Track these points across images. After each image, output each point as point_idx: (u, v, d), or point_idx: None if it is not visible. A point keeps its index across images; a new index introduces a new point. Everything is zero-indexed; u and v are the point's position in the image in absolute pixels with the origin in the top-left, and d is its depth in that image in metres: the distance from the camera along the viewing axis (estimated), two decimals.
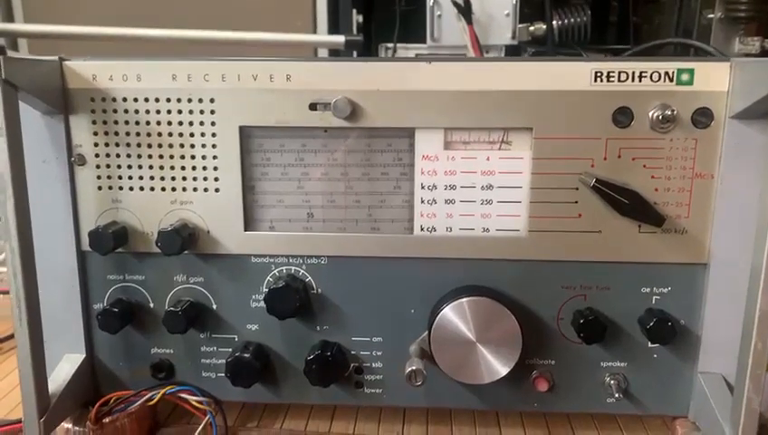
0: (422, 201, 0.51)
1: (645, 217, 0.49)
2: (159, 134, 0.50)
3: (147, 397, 0.52)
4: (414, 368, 0.49)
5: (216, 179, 0.51)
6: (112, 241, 0.50)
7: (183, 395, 0.54)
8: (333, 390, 0.54)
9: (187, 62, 0.49)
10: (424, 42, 1.11)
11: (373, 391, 0.55)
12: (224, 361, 0.52)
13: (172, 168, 0.51)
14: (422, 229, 0.51)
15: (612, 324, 0.51)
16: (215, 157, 0.51)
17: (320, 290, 0.53)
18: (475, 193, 0.51)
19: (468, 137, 0.50)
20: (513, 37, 1.10)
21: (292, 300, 0.51)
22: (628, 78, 0.48)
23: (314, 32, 1.13)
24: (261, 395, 0.55)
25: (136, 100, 0.50)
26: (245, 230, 0.52)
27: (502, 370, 0.50)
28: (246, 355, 0.52)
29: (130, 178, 0.51)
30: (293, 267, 0.53)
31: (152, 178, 0.51)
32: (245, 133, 0.50)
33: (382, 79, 0.49)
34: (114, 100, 0.50)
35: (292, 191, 0.52)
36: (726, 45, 1.07)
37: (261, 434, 0.55)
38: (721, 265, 0.49)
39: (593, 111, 0.48)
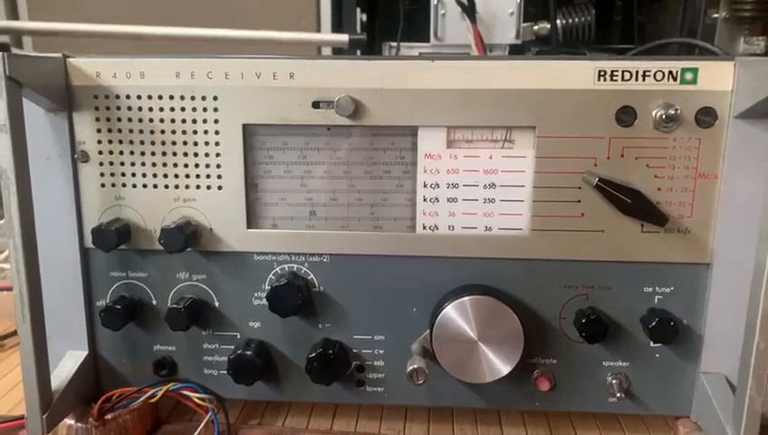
0: (425, 199, 0.51)
1: (648, 216, 0.49)
2: (163, 131, 0.50)
3: (149, 394, 0.53)
4: (416, 366, 0.49)
5: (219, 177, 0.51)
6: (115, 238, 0.50)
7: (185, 392, 0.54)
8: (335, 388, 0.54)
9: (190, 59, 0.50)
10: (428, 41, 1.11)
11: (375, 389, 0.55)
12: (226, 358, 0.53)
13: (175, 165, 0.51)
14: (424, 228, 0.51)
15: (614, 324, 0.51)
16: (218, 154, 0.51)
17: (322, 288, 0.53)
18: (478, 192, 0.50)
19: (471, 135, 0.50)
20: (517, 36, 1.10)
21: (294, 298, 0.51)
22: (631, 77, 0.48)
23: (318, 30, 1.13)
24: (263, 393, 0.55)
25: (139, 97, 0.50)
26: (248, 228, 0.52)
27: (503, 369, 0.50)
28: (248, 353, 0.52)
29: (133, 175, 0.51)
30: (296, 265, 0.53)
31: (155, 175, 0.51)
32: (248, 131, 0.51)
33: (385, 77, 0.49)
34: (117, 97, 0.50)
35: (295, 189, 0.52)
36: (731, 45, 1.07)
37: (263, 432, 0.55)
38: (724, 264, 0.49)
39: (596, 109, 0.48)
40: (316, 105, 0.49)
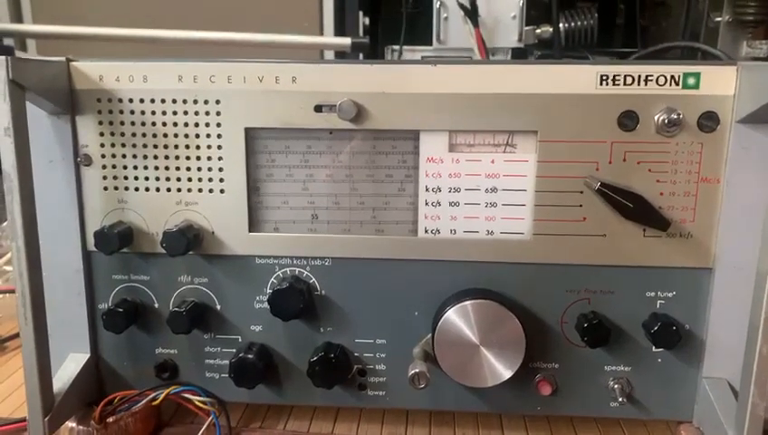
0: (426, 203, 0.51)
1: (650, 220, 0.49)
2: (165, 135, 0.51)
3: (151, 397, 0.53)
4: (417, 370, 0.49)
5: (222, 181, 0.51)
6: (118, 241, 0.50)
7: (187, 395, 0.54)
8: (337, 391, 0.54)
9: (193, 63, 0.50)
10: (430, 44, 1.12)
11: (376, 393, 0.55)
12: (227, 361, 0.53)
13: (177, 168, 0.51)
14: (426, 231, 0.51)
15: (616, 328, 0.51)
16: (220, 158, 0.51)
17: (324, 292, 0.53)
18: (480, 196, 0.50)
19: (473, 139, 0.50)
20: (520, 40, 1.10)
21: (295, 301, 0.51)
22: (633, 81, 0.48)
23: (321, 34, 1.13)
24: (264, 396, 0.55)
25: (142, 101, 0.50)
26: (250, 231, 0.52)
27: (505, 373, 0.50)
28: (250, 356, 0.52)
29: (136, 178, 0.52)
30: (297, 269, 0.53)
31: (158, 178, 0.51)
32: (251, 135, 0.51)
33: (387, 81, 0.49)
34: (120, 100, 0.50)
35: (297, 193, 0.52)
36: (734, 49, 1.07)
37: None
38: (726, 269, 0.49)
39: (599, 114, 0.48)
40: (318, 109, 0.50)
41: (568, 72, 0.48)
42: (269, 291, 0.52)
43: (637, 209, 0.49)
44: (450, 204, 0.51)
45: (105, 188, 0.52)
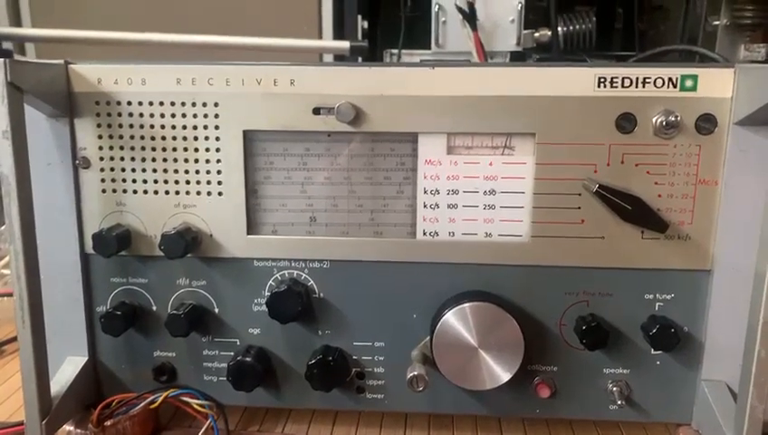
0: (425, 206, 0.51)
1: (648, 223, 0.49)
2: (164, 138, 0.51)
3: (149, 400, 0.53)
4: (416, 373, 0.49)
5: (220, 183, 0.51)
6: (116, 244, 0.50)
7: (185, 398, 0.54)
8: (335, 395, 0.54)
9: (191, 66, 0.50)
10: (429, 48, 1.11)
11: (375, 396, 0.55)
12: (225, 364, 0.53)
13: (176, 171, 0.51)
14: (425, 234, 0.51)
15: (615, 331, 0.51)
16: (218, 160, 0.51)
17: (322, 294, 0.53)
18: (478, 198, 0.50)
19: (471, 142, 0.50)
20: (518, 43, 1.10)
21: (294, 304, 0.51)
22: (631, 84, 0.48)
23: (320, 37, 1.13)
24: (262, 399, 0.55)
25: (140, 103, 0.50)
26: (248, 234, 0.52)
27: (504, 375, 0.50)
28: (248, 359, 0.52)
29: (134, 181, 0.52)
30: (296, 271, 0.53)
31: (156, 181, 0.51)
32: (249, 137, 0.51)
33: (386, 84, 0.49)
34: (119, 103, 0.50)
35: (295, 195, 0.52)
36: (732, 52, 1.07)
37: None
38: (725, 271, 0.49)
39: (596, 116, 0.48)
40: (317, 111, 0.50)
41: (566, 75, 0.48)
42: (267, 294, 0.52)
43: (635, 211, 0.49)
44: (448, 206, 0.51)
45: (103, 191, 0.52)
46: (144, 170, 0.51)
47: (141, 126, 0.51)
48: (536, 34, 1.12)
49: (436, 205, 0.51)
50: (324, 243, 0.52)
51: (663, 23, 1.25)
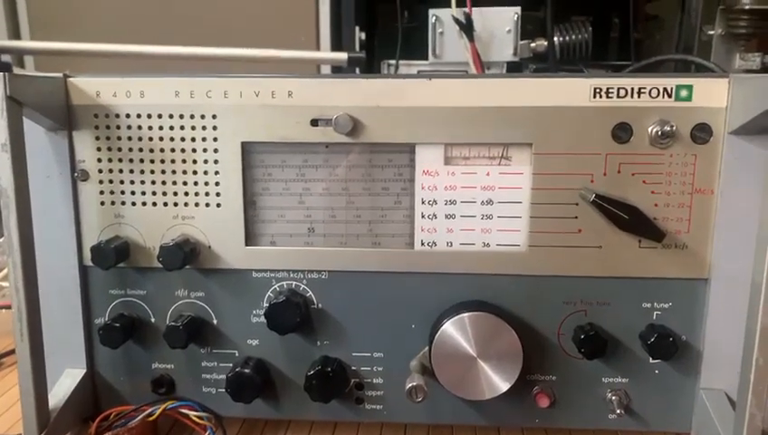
0: (422, 216, 0.51)
1: (645, 232, 0.49)
2: (162, 150, 0.51)
3: (147, 412, 0.52)
4: (415, 384, 0.49)
5: (218, 195, 0.51)
6: (114, 256, 0.50)
7: (183, 410, 0.53)
8: (334, 406, 0.54)
9: (189, 78, 0.50)
10: (426, 59, 1.12)
11: (374, 407, 0.54)
12: (224, 376, 0.52)
13: (174, 183, 0.51)
14: (422, 244, 0.52)
15: (613, 340, 0.51)
16: (216, 172, 0.51)
17: (320, 305, 0.53)
18: (476, 208, 0.51)
19: (468, 152, 0.50)
20: (515, 54, 1.11)
21: (292, 315, 0.51)
22: (627, 94, 0.48)
23: (317, 49, 1.14)
24: (261, 411, 0.55)
25: (139, 116, 0.50)
26: (246, 245, 0.52)
27: (503, 385, 0.50)
28: (247, 370, 0.52)
29: (133, 193, 0.52)
30: (294, 282, 0.53)
31: (154, 193, 0.52)
32: (247, 149, 0.51)
33: (383, 95, 0.49)
34: (117, 116, 0.51)
35: (294, 206, 0.52)
36: (727, 61, 1.08)
37: None
38: (722, 280, 0.49)
39: (593, 126, 0.48)
40: (314, 123, 0.50)
41: (562, 85, 0.48)
42: (266, 305, 0.52)
43: (632, 221, 0.49)
44: (446, 216, 0.51)
45: (102, 203, 0.52)
46: (143, 182, 0.51)
47: (140, 138, 0.51)
48: (533, 45, 1.13)
49: (434, 215, 0.51)
50: (323, 254, 0.52)
51: (658, 32, 1.26)
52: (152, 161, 0.51)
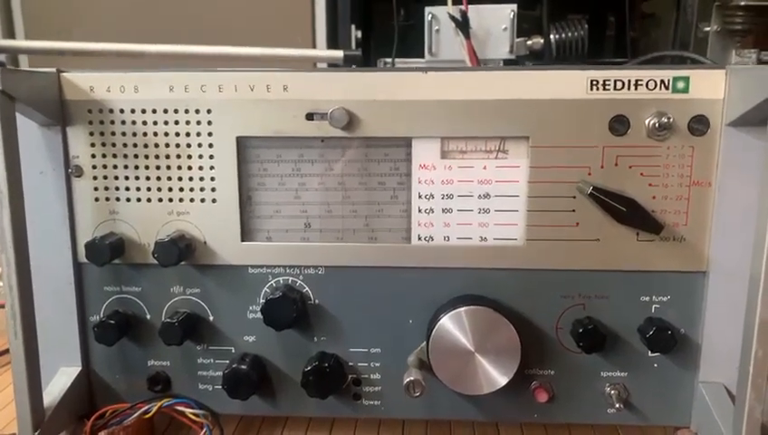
0: (419, 210, 0.51)
1: (643, 224, 0.49)
2: (157, 145, 0.50)
3: (143, 410, 0.52)
4: (412, 379, 0.49)
5: (213, 190, 0.51)
6: (109, 252, 0.50)
7: (179, 408, 0.53)
8: (331, 402, 0.53)
9: (184, 73, 0.50)
10: (422, 56, 1.12)
11: (371, 402, 0.54)
12: (221, 373, 0.52)
13: (169, 178, 0.51)
14: (419, 239, 0.51)
15: (612, 334, 0.51)
16: (212, 167, 0.51)
17: (317, 301, 0.53)
18: (473, 202, 0.50)
19: (465, 146, 0.50)
20: (511, 51, 1.11)
21: (289, 311, 0.50)
22: (623, 86, 0.48)
23: (314, 47, 1.14)
24: (258, 407, 0.54)
25: (133, 111, 0.50)
26: (242, 241, 0.52)
27: (501, 380, 0.49)
28: (243, 367, 0.51)
29: (127, 189, 0.51)
30: (291, 278, 0.52)
31: (149, 189, 0.51)
32: (242, 144, 0.51)
33: (379, 89, 0.49)
34: (111, 111, 0.50)
35: (290, 201, 0.52)
36: (723, 58, 1.08)
37: None
38: (720, 272, 0.49)
39: (590, 119, 0.48)
40: (310, 117, 0.50)
41: (558, 78, 0.48)
42: (262, 301, 0.52)
43: (629, 213, 0.49)
44: (443, 211, 0.51)
45: (96, 199, 0.51)
46: (137, 178, 0.51)
47: (134, 134, 0.50)
48: (529, 42, 1.13)
49: (431, 209, 0.51)
50: (319, 249, 0.52)
51: (654, 30, 1.26)
52: (147, 157, 0.51)
